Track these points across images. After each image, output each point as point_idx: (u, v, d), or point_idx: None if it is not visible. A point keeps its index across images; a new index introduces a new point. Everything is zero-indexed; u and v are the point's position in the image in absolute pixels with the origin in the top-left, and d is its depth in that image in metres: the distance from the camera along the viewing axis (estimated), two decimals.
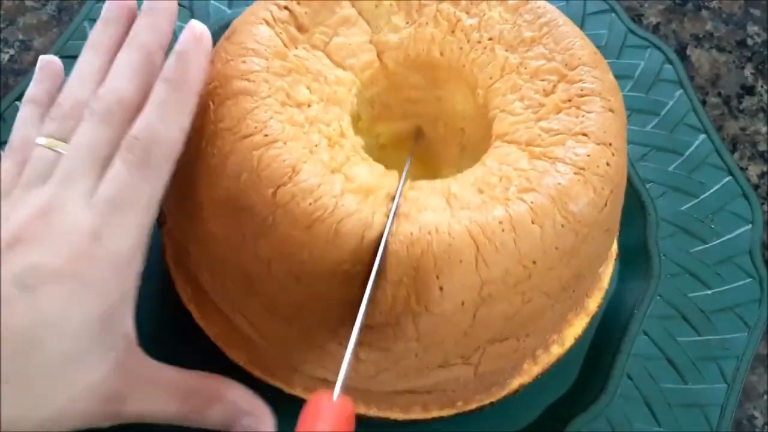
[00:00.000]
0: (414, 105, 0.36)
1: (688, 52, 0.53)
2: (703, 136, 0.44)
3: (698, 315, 0.39)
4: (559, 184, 0.29)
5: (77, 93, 0.31)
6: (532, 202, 0.28)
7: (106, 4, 0.34)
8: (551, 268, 0.29)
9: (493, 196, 0.29)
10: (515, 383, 0.34)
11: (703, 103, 0.50)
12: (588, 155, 0.29)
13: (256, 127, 0.29)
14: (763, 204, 0.46)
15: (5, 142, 0.41)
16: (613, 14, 0.48)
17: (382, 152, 0.38)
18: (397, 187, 0.29)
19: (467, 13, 0.34)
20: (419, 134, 0.37)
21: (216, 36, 0.34)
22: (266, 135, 0.29)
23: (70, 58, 0.44)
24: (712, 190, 0.43)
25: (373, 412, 0.33)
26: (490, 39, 0.33)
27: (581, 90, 0.31)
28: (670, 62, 0.47)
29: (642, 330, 0.38)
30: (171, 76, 0.30)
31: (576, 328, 0.35)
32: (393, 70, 0.34)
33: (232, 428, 0.30)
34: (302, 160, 0.28)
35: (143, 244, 0.29)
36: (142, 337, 0.29)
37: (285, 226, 0.28)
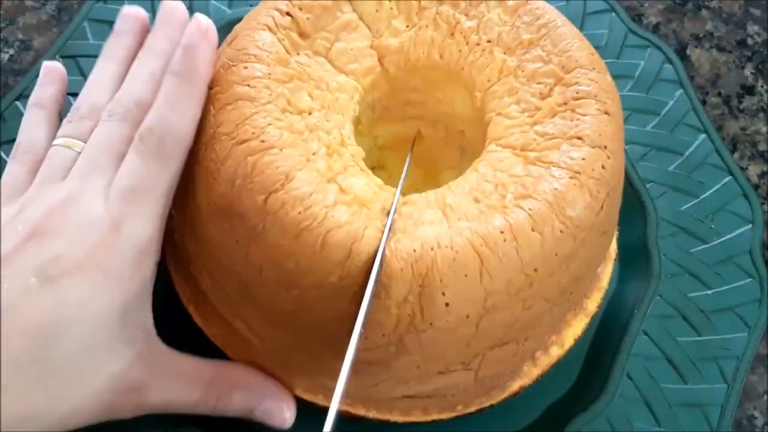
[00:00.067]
0: (414, 108, 0.36)
1: (688, 51, 0.53)
2: (703, 136, 0.44)
3: (698, 315, 0.39)
4: (555, 189, 0.28)
5: (93, 98, 0.32)
6: (530, 209, 0.28)
7: (120, 18, 0.35)
8: (551, 274, 0.29)
9: (490, 205, 0.28)
10: (515, 385, 0.34)
11: (703, 102, 0.50)
12: (583, 159, 0.29)
13: (253, 133, 0.29)
14: (763, 204, 0.46)
15: (5, 142, 0.41)
16: (613, 14, 0.48)
17: (381, 154, 0.38)
18: (392, 202, 0.29)
19: (466, 15, 0.34)
20: (418, 140, 0.37)
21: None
22: (263, 141, 0.29)
23: (70, 58, 0.44)
24: (712, 190, 0.43)
25: (372, 414, 0.33)
26: (489, 41, 0.33)
27: (577, 93, 0.31)
28: (670, 62, 0.47)
29: (642, 330, 0.38)
30: (180, 69, 0.30)
31: (575, 328, 0.35)
32: (394, 75, 0.34)
33: (253, 414, 0.30)
34: (297, 168, 0.28)
35: (160, 234, 0.30)
36: None
37: (274, 234, 0.28)
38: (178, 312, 0.35)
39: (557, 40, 0.32)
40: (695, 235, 0.41)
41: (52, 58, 0.43)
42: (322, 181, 0.28)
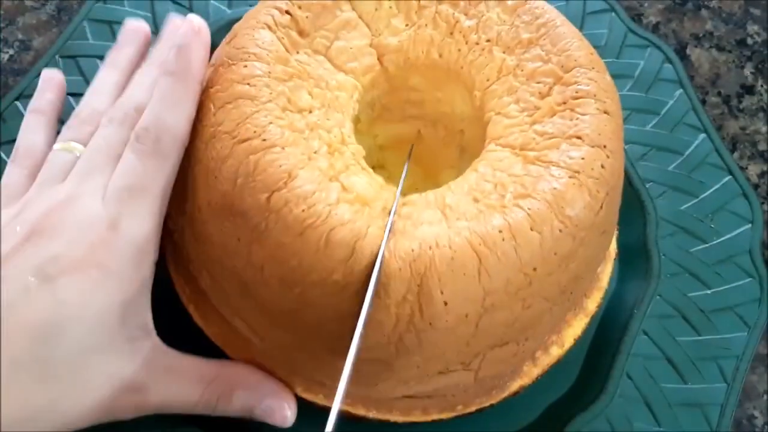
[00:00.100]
0: (413, 107, 0.36)
1: (687, 51, 0.53)
2: (703, 136, 0.44)
3: (698, 315, 0.39)
4: (555, 188, 0.28)
5: (94, 104, 0.33)
6: (529, 209, 0.28)
7: (123, 30, 0.36)
8: (550, 273, 0.29)
9: (489, 205, 0.28)
10: (515, 385, 0.34)
11: (703, 102, 0.50)
12: (582, 158, 0.29)
13: (255, 132, 0.29)
14: (763, 204, 0.46)
15: (5, 142, 0.41)
16: (613, 13, 0.48)
17: (381, 153, 0.38)
18: (393, 201, 0.29)
19: (466, 14, 0.34)
20: (417, 141, 0.37)
21: (216, 36, 0.34)
22: (264, 140, 0.29)
23: (69, 58, 0.44)
24: (711, 190, 0.43)
25: (372, 414, 0.33)
26: (488, 40, 0.33)
27: (576, 92, 0.31)
28: (670, 62, 0.47)
29: (642, 330, 0.38)
30: (174, 69, 0.31)
31: (575, 328, 0.35)
32: (393, 73, 0.34)
33: (254, 413, 0.30)
34: (299, 167, 0.28)
35: (158, 232, 0.30)
36: None
37: (277, 232, 0.28)
38: (178, 312, 0.35)
39: (556, 39, 0.32)
40: (695, 234, 0.41)
41: (52, 58, 0.44)
42: (325, 180, 0.28)
